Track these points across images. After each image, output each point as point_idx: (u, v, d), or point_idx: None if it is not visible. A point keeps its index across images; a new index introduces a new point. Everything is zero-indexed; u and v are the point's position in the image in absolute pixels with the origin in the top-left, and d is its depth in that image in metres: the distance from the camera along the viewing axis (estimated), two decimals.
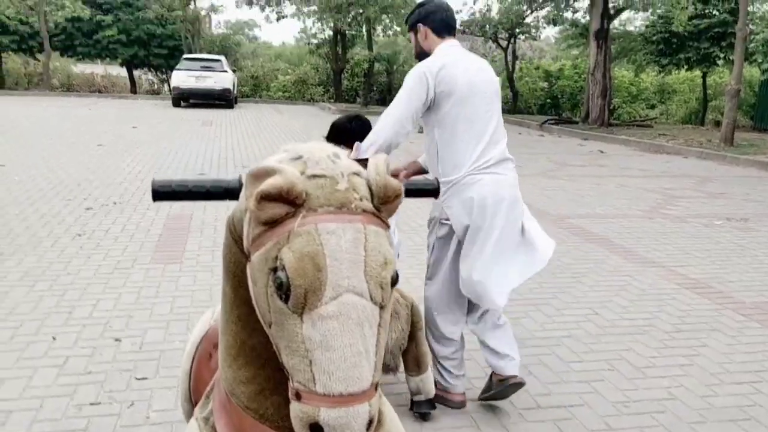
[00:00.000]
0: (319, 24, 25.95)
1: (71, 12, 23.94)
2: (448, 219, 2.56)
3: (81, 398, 2.77)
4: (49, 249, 4.87)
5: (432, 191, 1.20)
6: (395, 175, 3.04)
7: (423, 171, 2.83)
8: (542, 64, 27.70)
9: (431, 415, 2.71)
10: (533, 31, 22.31)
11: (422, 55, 2.64)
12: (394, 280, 0.93)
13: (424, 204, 5.37)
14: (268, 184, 0.88)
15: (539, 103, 24.62)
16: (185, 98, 20.29)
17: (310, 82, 26.75)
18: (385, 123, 2.47)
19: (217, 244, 5.15)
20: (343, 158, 0.98)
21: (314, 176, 0.93)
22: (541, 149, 13.11)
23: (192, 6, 26.31)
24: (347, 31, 24.95)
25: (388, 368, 2.68)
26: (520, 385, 2.70)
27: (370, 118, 2.87)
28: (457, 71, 2.48)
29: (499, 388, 2.72)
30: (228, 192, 1.11)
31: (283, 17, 28.27)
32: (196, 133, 13.25)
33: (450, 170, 2.52)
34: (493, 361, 2.72)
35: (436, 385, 2.73)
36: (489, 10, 21.76)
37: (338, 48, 25.27)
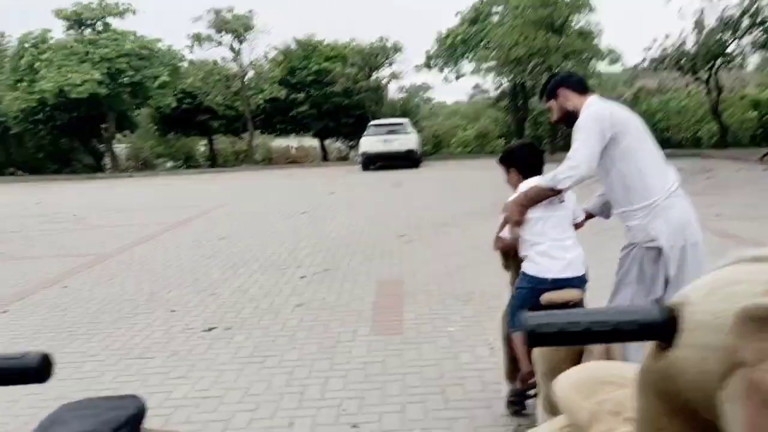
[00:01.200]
0: (497, 78, 25.92)
1: (269, 94, 26.43)
2: (653, 240, 2.64)
3: None
4: (272, 322, 4.87)
5: None
6: (580, 225, 2.98)
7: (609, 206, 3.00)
8: (747, 93, 25.00)
9: None
10: (738, 59, 20.20)
11: (569, 115, 2.83)
12: None
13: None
14: None
15: (748, 135, 22.09)
16: (373, 161, 21.03)
17: (491, 135, 26.60)
18: (579, 161, 2.67)
19: (434, 312, 4.85)
20: None
21: None
22: None
23: (374, 75, 27.66)
24: (527, 81, 24.56)
25: None
26: None
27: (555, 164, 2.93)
28: (622, 113, 2.78)
29: None
30: (647, 329, 0.65)
31: (461, 76, 28.81)
32: (389, 195, 13.45)
33: (644, 196, 2.68)
34: None
35: None
36: (684, 43, 20.13)
37: (518, 99, 24.92)
